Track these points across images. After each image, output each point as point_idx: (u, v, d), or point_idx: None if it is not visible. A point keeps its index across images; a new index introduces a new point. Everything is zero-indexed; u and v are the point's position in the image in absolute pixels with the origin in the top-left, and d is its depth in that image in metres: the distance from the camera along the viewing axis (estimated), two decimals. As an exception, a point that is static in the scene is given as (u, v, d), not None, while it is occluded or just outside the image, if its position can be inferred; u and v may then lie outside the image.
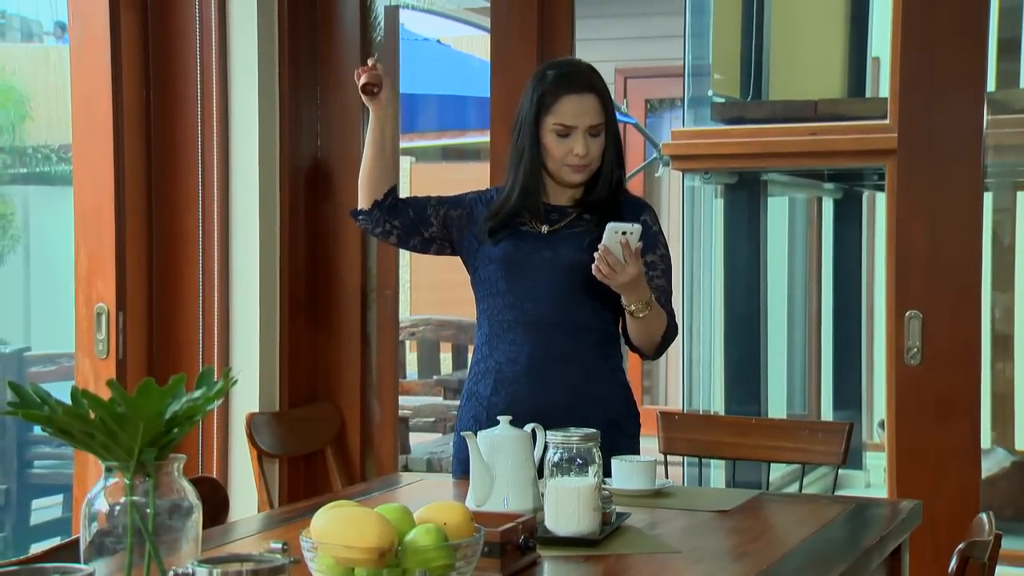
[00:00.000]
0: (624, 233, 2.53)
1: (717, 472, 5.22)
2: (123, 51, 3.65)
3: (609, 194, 2.77)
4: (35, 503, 5.70)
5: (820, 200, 6.58)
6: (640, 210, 2.80)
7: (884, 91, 5.90)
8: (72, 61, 3.69)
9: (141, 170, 3.76)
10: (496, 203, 2.81)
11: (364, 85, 2.79)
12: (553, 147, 2.72)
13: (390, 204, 2.84)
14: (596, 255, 2.55)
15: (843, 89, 6.51)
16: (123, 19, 3.65)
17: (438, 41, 8.83)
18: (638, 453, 2.72)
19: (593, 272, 2.57)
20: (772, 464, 3.15)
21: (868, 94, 6.47)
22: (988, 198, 4.72)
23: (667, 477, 2.77)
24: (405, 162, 9.18)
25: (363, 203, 2.85)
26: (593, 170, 2.75)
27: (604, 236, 2.55)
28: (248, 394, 3.75)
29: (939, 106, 3.41)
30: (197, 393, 1.57)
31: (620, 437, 2.72)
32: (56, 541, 1.97)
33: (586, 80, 2.74)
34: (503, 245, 2.77)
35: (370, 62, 2.81)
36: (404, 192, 2.92)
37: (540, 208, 2.77)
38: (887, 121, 4.72)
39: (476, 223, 2.83)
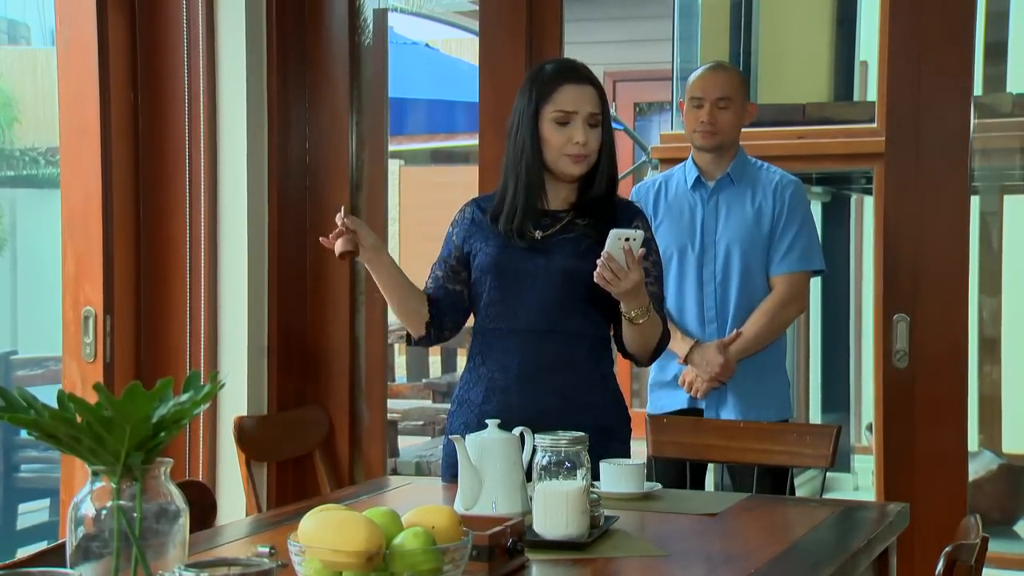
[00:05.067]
0: (627, 240, 2.54)
1: (706, 475, 5.22)
2: (111, 54, 3.64)
3: (604, 193, 2.76)
4: (21, 507, 5.68)
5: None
6: (633, 215, 2.80)
7: (872, 95, 5.90)
8: (60, 64, 3.68)
9: (129, 173, 3.75)
10: (495, 205, 2.78)
11: (341, 255, 2.64)
12: (552, 136, 2.71)
13: (435, 315, 2.82)
14: (599, 262, 2.56)
15: (831, 93, 6.51)
16: (111, 22, 3.64)
17: (427, 45, 8.82)
18: (629, 458, 2.72)
19: (596, 279, 2.57)
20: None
21: (856, 98, 6.47)
22: (975, 202, 4.74)
23: (655, 480, 2.77)
24: (394, 165, 9.16)
25: (416, 332, 2.83)
26: (591, 163, 2.74)
27: (607, 243, 2.55)
28: (236, 397, 3.74)
29: (926, 110, 3.42)
30: (184, 397, 1.57)
31: (612, 443, 2.72)
32: (43, 545, 1.96)
33: (584, 72, 2.76)
34: (495, 253, 2.76)
35: (338, 219, 2.65)
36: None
37: (536, 210, 2.76)
38: (875, 125, 4.73)
39: (467, 243, 2.82)
